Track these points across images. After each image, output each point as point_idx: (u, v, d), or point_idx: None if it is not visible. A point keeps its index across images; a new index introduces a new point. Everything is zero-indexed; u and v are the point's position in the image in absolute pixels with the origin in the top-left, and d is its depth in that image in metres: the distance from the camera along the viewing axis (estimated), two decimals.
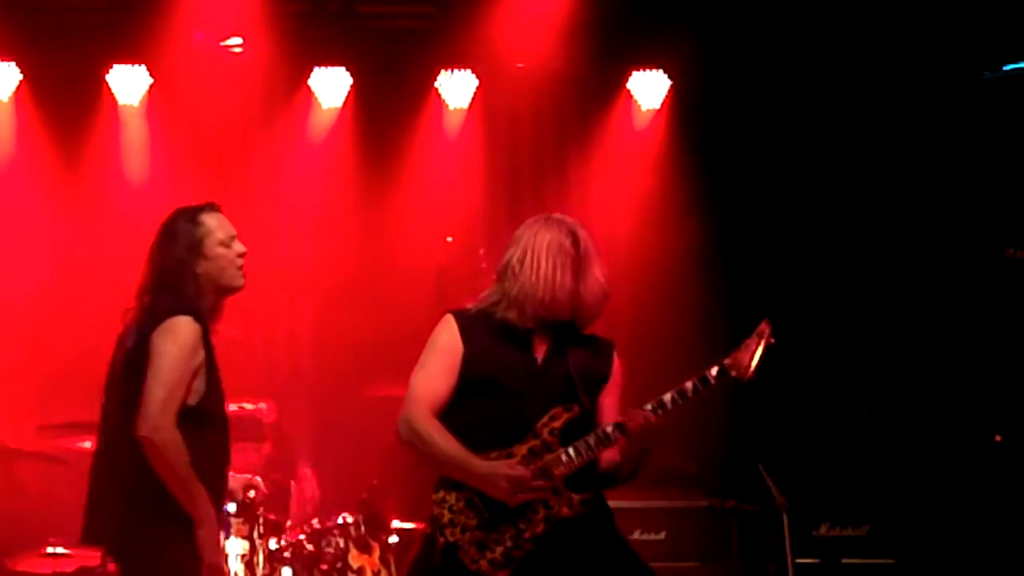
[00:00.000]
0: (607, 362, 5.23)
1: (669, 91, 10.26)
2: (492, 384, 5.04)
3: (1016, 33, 8.63)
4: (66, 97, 9.74)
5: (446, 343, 5.09)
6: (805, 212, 9.80)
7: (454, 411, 5.06)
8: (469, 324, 5.11)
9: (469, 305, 5.22)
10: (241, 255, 5.58)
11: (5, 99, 9.70)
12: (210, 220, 5.59)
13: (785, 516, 7.55)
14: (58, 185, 9.68)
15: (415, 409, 5.04)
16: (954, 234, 9.31)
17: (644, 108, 10.30)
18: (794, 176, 9.83)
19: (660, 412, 4.97)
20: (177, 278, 5.46)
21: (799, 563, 7.70)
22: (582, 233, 5.10)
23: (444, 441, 4.99)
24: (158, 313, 5.38)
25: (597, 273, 5.10)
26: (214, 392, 5.50)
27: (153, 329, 5.34)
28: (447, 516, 5.01)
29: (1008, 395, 8.68)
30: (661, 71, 10.23)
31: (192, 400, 5.38)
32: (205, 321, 5.43)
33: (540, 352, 5.12)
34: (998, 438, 8.49)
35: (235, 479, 6.18)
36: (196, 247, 5.50)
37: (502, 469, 4.94)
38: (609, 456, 5.08)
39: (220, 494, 5.64)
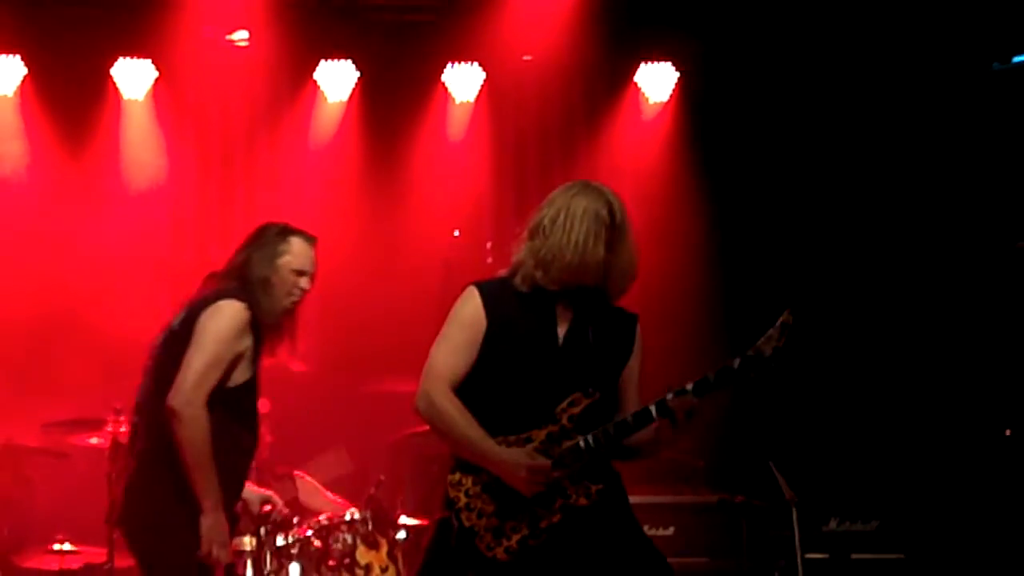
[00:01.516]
0: (630, 337, 5.13)
1: (677, 84, 10.23)
2: (513, 363, 4.96)
3: None
4: (71, 91, 9.71)
5: (469, 316, 4.98)
6: (814, 204, 9.77)
7: (473, 388, 4.97)
8: (493, 296, 5.00)
9: (501, 272, 5.10)
10: (303, 289, 5.75)
11: (10, 93, 9.67)
12: (297, 245, 5.77)
13: (794, 511, 7.52)
14: (63, 179, 9.66)
15: (436, 385, 4.95)
16: (965, 227, 9.28)
17: (652, 101, 10.27)
18: (803, 169, 9.81)
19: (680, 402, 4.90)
20: (246, 275, 5.60)
21: (808, 558, 7.67)
22: (618, 205, 4.97)
23: (465, 423, 4.91)
24: (211, 297, 5.50)
25: (629, 248, 4.98)
26: (253, 386, 5.55)
27: (203, 309, 5.44)
28: (463, 500, 4.95)
29: (1019, 389, 8.65)
30: (669, 64, 10.20)
31: (230, 383, 5.44)
32: (257, 314, 5.51)
33: (563, 326, 5.01)
34: (1008, 432, 8.46)
35: (253, 492, 6.22)
36: (273, 258, 5.66)
37: (523, 460, 4.86)
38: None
39: (238, 487, 5.70)
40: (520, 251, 5.02)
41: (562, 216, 4.92)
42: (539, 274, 4.95)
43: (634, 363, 5.14)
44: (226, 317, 5.43)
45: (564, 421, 4.96)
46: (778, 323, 4.87)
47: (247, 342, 5.48)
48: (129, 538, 5.57)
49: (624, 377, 5.11)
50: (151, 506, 5.43)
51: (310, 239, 5.84)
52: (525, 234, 5.03)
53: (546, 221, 4.95)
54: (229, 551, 5.51)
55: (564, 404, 4.96)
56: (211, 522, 5.37)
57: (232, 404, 5.45)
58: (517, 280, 4.99)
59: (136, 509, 5.49)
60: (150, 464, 5.44)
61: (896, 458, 8.68)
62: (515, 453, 4.89)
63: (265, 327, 5.59)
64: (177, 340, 5.44)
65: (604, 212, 4.93)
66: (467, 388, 4.98)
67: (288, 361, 5.89)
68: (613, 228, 4.93)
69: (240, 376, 5.49)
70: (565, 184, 5.09)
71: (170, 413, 5.28)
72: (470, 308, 5.00)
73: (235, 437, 5.51)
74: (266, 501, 6.45)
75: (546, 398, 4.97)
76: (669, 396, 4.88)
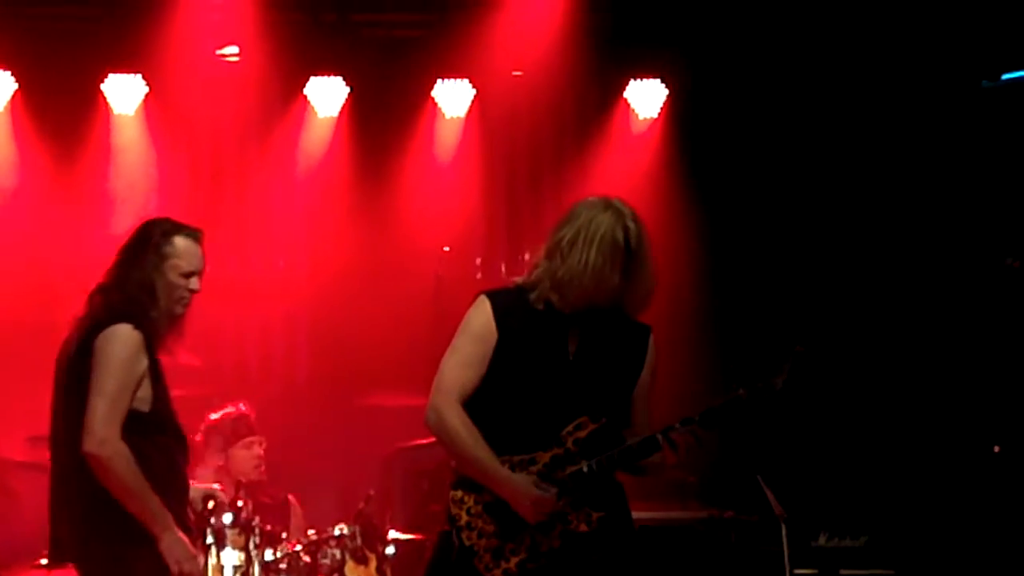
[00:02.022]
0: (642, 350, 5.11)
1: (667, 100, 10.24)
2: (522, 381, 4.93)
3: (1015, 42, 8.61)
4: (62, 106, 9.71)
5: (480, 329, 4.95)
6: (803, 221, 9.78)
7: (481, 401, 4.95)
8: (505, 308, 4.96)
9: (515, 279, 5.08)
10: (193, 291, 5.52)
11: (0, 108, 9.66)
12: (182, 245, 5.53)
13: (784, 526, 7.53)
14: (54, 194, 9.65)
15: (445, 400, 4.92)
16: (953, 243, 9.29)
17: (642, 117, 10.28)
18: (793, 185, 9.82)
19: (687, 431, 4.89)
20: (132, 284, 5.42)
21: (797, 573, 7.67)
22: (635, 229, 4.89)
23: (473, 442, 4.88)
24: (101, 320, 5.33)
25: (646, 273, 4.94)
26: (162, 398, 5.42)
27: (95, 335, 5.29)
28: (464, 518, 4.94)
29: (1008, 405, 8.65)
30: (659, 80, 10.21)
31: (144, 407, 5.32)
32: (148, 330, 5.35)
33: (574, 345, 4.98)
34: (997, 449, 8.46)
35: (195, 489, 6.06)
36: (157, 265, 5.45)
37: (531, 491, 4.85)
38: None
39: (183, 499, 5.57)
40: (538, 268, 4.98)
41: (581, 239, 4.86)
42: (555, 297, 4.91)
43: (646, 376, 5.11)
44: (119, 343, 5.28)
45: (569, 445, 4.95)
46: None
47: (144, 362, 5.35)
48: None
49: (636, 393, 5.09)
50: (107, 548, 5.34)
51: (195, 233, 5.59)
52: (543, 251, 4.99)
53: (565, 242, 4.90)
54: (198, 563, 5.44)
55: (570, 427, 4.95)
56: (168, 542, 5.30)
57: (151, 423, 5.36)
58: (533, 297, 4.95)
59: (90, 551, 5.38)
60: (90, 504, 5.31)
61: (886, 474, 8.68)
62: (523, 481, 4.88)
63: (159, 337, 5.44)
64: (76, 370, 5.33)
65: (621, 237, 4.86)
66: (475, 402, 4.96)
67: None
68: (629, 255, 4.87)
69: (146, 392, 5.36)
70: (587, 200, 5.01)
71: (90, 459, 5.18)
72: (482, 320, 4.97)
73: (163, 452, 5.41)
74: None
75: (553, 420, 4.95)
76: (677, 426, 4.89)
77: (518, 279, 5.07)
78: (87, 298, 5.52)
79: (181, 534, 5.38)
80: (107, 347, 5.26)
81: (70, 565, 5.55)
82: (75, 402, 5.28)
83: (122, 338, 5.29)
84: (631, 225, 4.90)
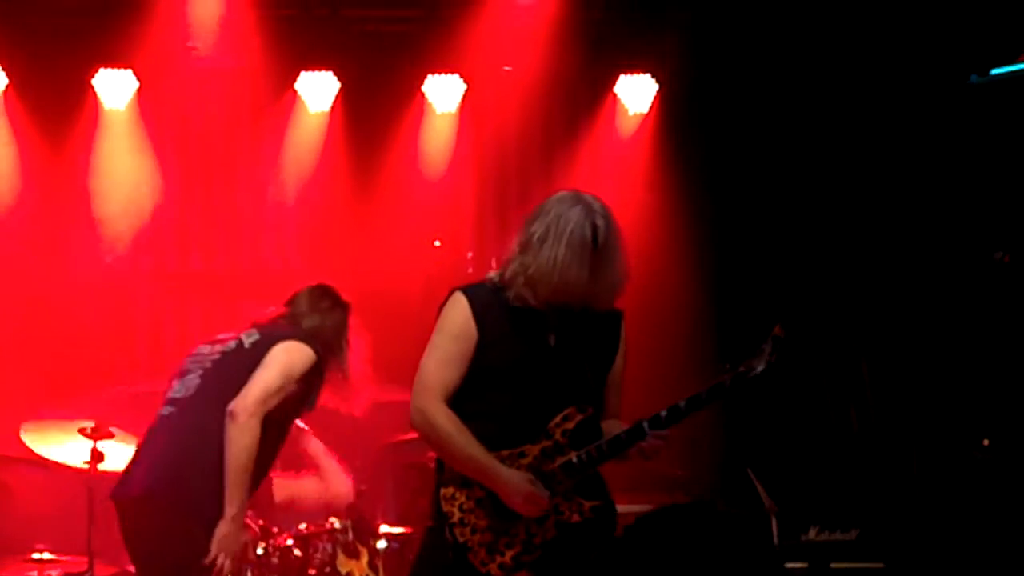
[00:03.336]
0: (615, 335, 5.15)
1: (656, 95, 10.26)
2: (505, 376, 4.96)
3: (1004, 37, 8.62)
4: (53, 101, 9.71)
5: (459, 328, 4.97)
6: (793, 216, 9.80)
7: (465, 399, 4.96)
8: (482, 305, 4.99)
9: (490, 273, 5.11)
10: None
11: None
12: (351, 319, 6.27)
13: (774, 520, 7.54)
14: (45, 188, 9.65)
15: (429, 399, 4.94)
16: (942, 238, 9.31)
17: (631, 112, 10.30)
18: (782, 180, 9.84)
19: (672, 421, 4.91)
20: (318, 335, 6.01)
21: (788, 567, 7.68)
22: (602, 225, 4.92)
23: (464, 440, 4.90)
24: (287, 333, 5.89)
25: (615, 270, 4.96)
26: (290, 423, 5.91)
27: (279, 340, 5.81)
28: (457, 515, 4.95)
29: (997, 399, 8.67)
30: (648, 75, 10.23)
31: (277, 413, 5.72)
32: (322, 368, 5.89)
33: (553, 340, 5.01)
34: (986, 442, 8.48)
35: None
36: (342, 331, 6.17)
37: (524, 487, 4.88)
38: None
39: (254, 504, 6.13)
40: (512, 263, 5.00)
41: (550, 235, 4.90)
42: (528, 293, 4.93)
43: (619, 360, 5.15)
44: (300, 356, 5.79)
45: (558, 436, 4.97)
46: (769, 338, 4.89)
47: (302, 386, 5.81)
48: (148, 509, 5.65)
49: (609, 376, 5.13)
50: (188, 490, 5.60)
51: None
52: (516, 245, 5.02)
53: (535, 238, 4.93)
54: (232, 565, 5.64)
55: (558, 419, 4.97)
56: (228, 530, 5.56)
57: (272, 430, 5.70)
58: (511, 295, 4.97)
59: (175, 485, 5.62)
60: (193, 452, 5.63)
61: (876, 467, 8.70)
62: (518, 475, 4.90)
63: (321, 382, 5.95)
64: (245, 356, 5.78)
65: (589, 235, 4.88)
66: (459, 400, 4.97)
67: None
68: (596, 251, 4.89)
69: (286, 408, 5.79)
70: (558, 195, 5.04)
71: (230, 415, 5.56)
72: (459, 318, 4.98)
73: (263, 466, 5.73)
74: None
75: (539, 413, 4.98)
76: (663, 413, 4.91)
77: (492, 274, 5.10)
78: (277, 315, 6.14)
79: (239, 532, 5.69)
80: (290, 352, 5.80)
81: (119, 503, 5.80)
82: (235, 373, 5.72)
83: (304, 355, 5.83)
84: (600, 223, 4.92)
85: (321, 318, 6.12)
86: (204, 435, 5.62)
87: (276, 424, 5.73)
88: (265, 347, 5.79)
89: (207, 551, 5.54)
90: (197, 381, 5.79)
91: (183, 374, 5.89)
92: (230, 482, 5.53)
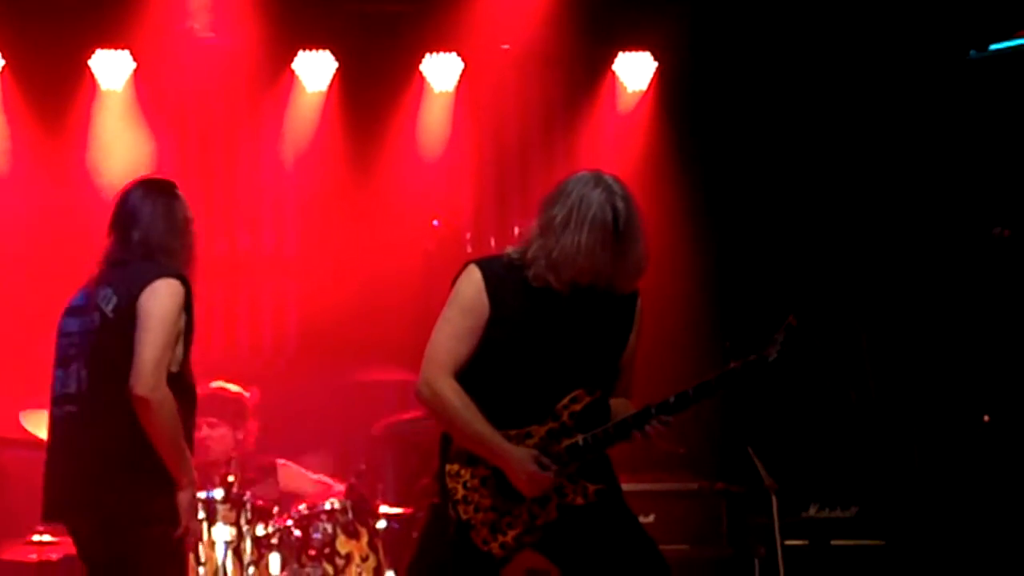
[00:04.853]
0: (630, 316, 5.11)
1: (655, 73, 10.24)
2: (516, 354, 4.94)
3: (1003, 12, 8.60)
4: (50, 82, 9.68)
5: (472, 302, 4.95)
6: (792, 193, 9.79)
7: (474, 374, 4.94)
8: (497, 280, 4.96)
9: (509, 248, 5.07)
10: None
11: None
12: (180, 195, 5.67)
13: (774, 498, 7.55)
14: (42, 170, 9.63)
15: (437, 372, 4.92)
16: (941, 213, 9.30)
17: (630, 90, 10.28)
18: (780, 157, 9.82)
19: (680, 407, 4.90)
20: (166, 249, 5.49)
21: (788, 545, 7.69)
22: (624, 208, 4.89)
23: (471, 415, 4.88)
24: (144, 276, 5.37)
25: (637, 251, 4.94)
26: (188, 361, 5.48)
27: (140, 291, 5.33)
28: (461, 492, 4.94)
29: (996, 375, 8.67)
30: (647, 53, 10.20)
31: (173, 367, 5.37)
32: (189, 287, 5.43)
33: (568, 321, 4.98)
34: (987, 418, 8.48)
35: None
36: (187, 224, 5.59)
37: (529, 464, 4.85)
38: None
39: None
40: (533, 245, 4.96)
41: (573, 219, 4.86)
42: (551, 276, 4.91)
43: (633, 340, 5.11)
44: (167, 296, 5.34)
45: (565, 418, 4.95)
46: (782, 328, 4.88)
47: (183, 319, 5.41)
48: (104, 531, 5.44)
49: (622, 358, 5.10)
50: (132, 495, 5.36)
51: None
52: (536, 227, 4.97)
53: (558, 222, 4.89)
54: (198, 524, 5.53)
55: (566, 401, 4.95)
56: (189, 495, 5.37)
57: (177, 383, 5.39)
58: (531, 275, 4.94)
59: (107, 498, 5.38)
60: (114, 452, 5.36)
61: (875, 445, 8.70)
62: (523, 453, 4.89)
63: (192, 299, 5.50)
64: (115, 328, 5.37)
65: (610, 218, 4.86)
66: (468, 376, 4.94)
67: None
68: (617, 234, 4.87)
69: (179, 352, 5.42)
70: (579, 175, 5.00)
71: (138, 401, 5.22)
72: (472, 291, 4.96)
73: (185, 416, 5.44)
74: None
75: (548, 393, 4.96)
76: (671, 399, 4.90)
77: (510, 249, 5.06)
78: (103, 264, 5.57)
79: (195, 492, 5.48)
80: (157, 299, 5.33)
81: (67, 522, 5.59)
82: (114, 348, 5.33)
83: (170, 291, 5.36)
84: (620, 205, 4.89)
85: (142, 228, 5.51)
86: (115, 429, 5.32)
87: (178, 373, 5.36)
88: (127, 306, 5.33)
89: (162, 541, 5.36)
90: (84, 371, 5.45)
91: (64, 363, 5.53)
92: (169, 457, 5.27)
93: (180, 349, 5.41)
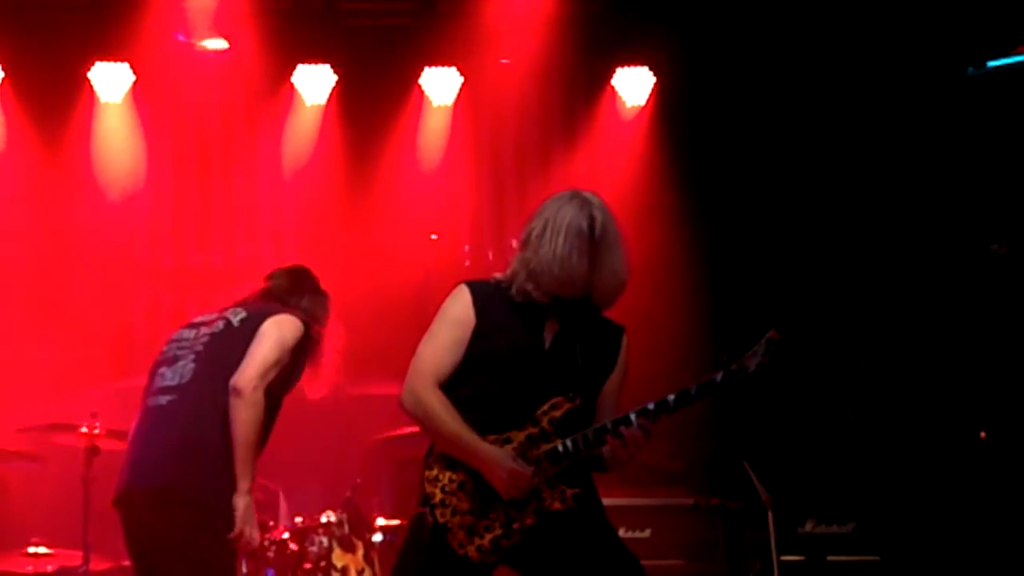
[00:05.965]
0: (615, 349, 5.16)
1: (654, 88, 10.25)
2: (498, 364, 4.99)
3: (1001, 29, 8.62)
4: (50, 95, 9.70)
5: (458, 315, 5.04)
6: (790, 210, 9.80)
7: (457, 385, 5.00)
8: (484, 297, 5.06)
9: (496, 275, 5.15)
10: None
11: None
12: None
13: (770, 513, 7.55)
14: (42, 183, 9.64)
15: (421, 381, 4.99)
16: (938, 230, 9.31)
17: (629, 104, 10.30)
18: (779, 173, 9.83)
19: (660, 414, 4.91)
20: (307, 313, 6.02)
21: (784, 560, 7.69)
22: (601, 218, 4.97)
23: (450, 418, 4.93)
24: (276, 310, 5.87)
25: (614, 262, 4.98)
26: (282, 393, 5.83)
27: (268, 316, 5.79)
28: (439, 496, 4.96)
29: (993, 392, 8.67)
30: (646, 68, 10.22)
31: (271, 387, 5.68)
32: (310, 337, 5.90)
33: (550, 334, 5.05)
34: (983, 435, 8.48)
35: None
36: (325, 307, 6.16)
37: (507, 462, 4.88)
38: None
39: None
40: (514, 262, 5.07)
41: (548, 229, 4.96)
42: (530, 286, 4.99)
43: (616, 376, 5.16)
44: (289, 327, 5.78)
45: (544, 424, 4.98)
46: (763, 339, 4.88)
47: (292, 358, 5.79)
48: (170, 508, 5.56)
49: (605, 390, 5.13)
50: (207, 482, 5.54)
51: None
52: (518, 246, 5.09)
53: (534, 234, 5.00)
54: (257, 534, 5.64)
55: (545, 407, 4.98)
56: (246, 503, 5.54)
57: (267, 401, 5.67)
58: (513, 291, 5.03)
59: (191, 473, 5.55)
60: (200, 440, 5.59)
61: (872, 460, 8.70)
62: (501, 453, 4.91)
63: (309, 353, 5.93)
64: (237, 334, 5.73)
65: (585, 225, 4.94)
66: (452, 385, 5.01)
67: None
68: (593, 242, 4.93)
69: (276, 387, 5.75)
70: (556, 194, 5.10)
71: (234, 392, 5.53)
72: (460, 306, 5.05)
73: (263, 440, 5.71)
74: None
75: (528, 401, 4.99)
76: (650, 406, 4.91)
77: (498, 275, 5.15)
78: (257, 293, 6.07)
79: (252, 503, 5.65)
80: (280, 326, 5.78)
81: (139, 497, 5.68)
82: (229, 351, 5.68)
83: (294, 326, 5.82)
84: (596, 214, 4.98)
85: (307, 297, 6.11)
86: (210, 419, 5.59)
87: (272, 397, 5.72)
88: (255, 322, 5.76)
89: (222, 535, 5.51)
90: (192, 366, 5.74)
91: (171, 361, 5.82)
92: (240, 457, 5.52)
93: (279, 377, 5.72)
